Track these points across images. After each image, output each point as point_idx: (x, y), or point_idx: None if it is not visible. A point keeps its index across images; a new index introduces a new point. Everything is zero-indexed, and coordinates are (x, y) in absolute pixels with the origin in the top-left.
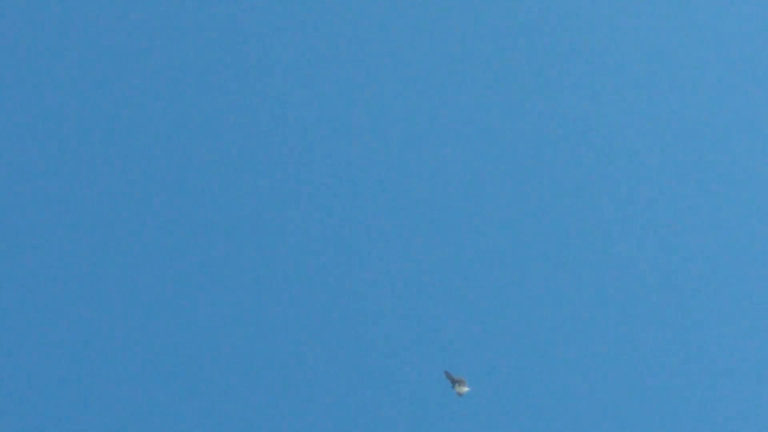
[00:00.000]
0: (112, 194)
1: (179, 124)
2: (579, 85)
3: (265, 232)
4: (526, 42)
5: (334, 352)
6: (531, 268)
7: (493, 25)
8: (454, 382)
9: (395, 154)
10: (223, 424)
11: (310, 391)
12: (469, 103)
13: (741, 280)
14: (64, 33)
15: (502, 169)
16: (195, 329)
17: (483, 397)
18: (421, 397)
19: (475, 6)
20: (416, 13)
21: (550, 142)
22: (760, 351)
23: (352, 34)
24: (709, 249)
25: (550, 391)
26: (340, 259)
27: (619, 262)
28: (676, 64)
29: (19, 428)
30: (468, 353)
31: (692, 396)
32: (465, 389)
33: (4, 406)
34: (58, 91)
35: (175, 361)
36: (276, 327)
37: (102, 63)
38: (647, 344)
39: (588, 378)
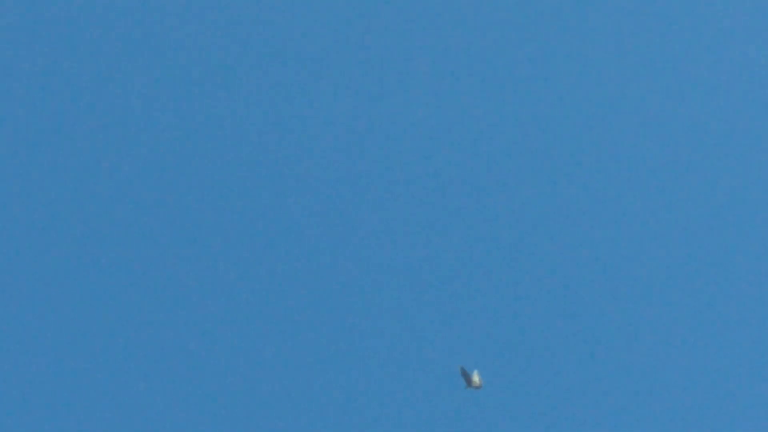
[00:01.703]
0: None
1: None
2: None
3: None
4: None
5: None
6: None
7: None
8: (468, 377)
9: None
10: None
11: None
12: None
13: (741, 279)
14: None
15: (501, 168)
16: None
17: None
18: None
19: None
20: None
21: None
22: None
23: (351, 33)
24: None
25: (549, 392)
26: (339, 258)
27: (619, 262)
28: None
29: (18, 428)
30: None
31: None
32: (477, 380)
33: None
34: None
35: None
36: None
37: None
38: (647, 344)
39: (587, 378)
